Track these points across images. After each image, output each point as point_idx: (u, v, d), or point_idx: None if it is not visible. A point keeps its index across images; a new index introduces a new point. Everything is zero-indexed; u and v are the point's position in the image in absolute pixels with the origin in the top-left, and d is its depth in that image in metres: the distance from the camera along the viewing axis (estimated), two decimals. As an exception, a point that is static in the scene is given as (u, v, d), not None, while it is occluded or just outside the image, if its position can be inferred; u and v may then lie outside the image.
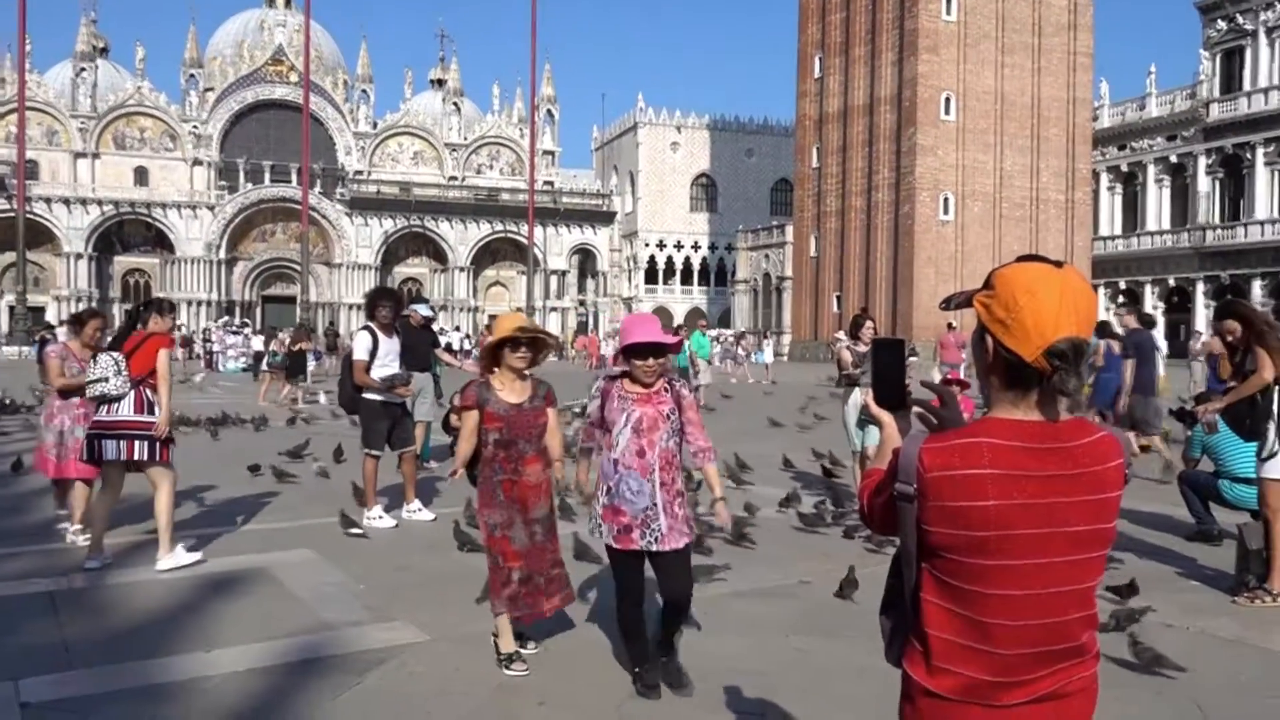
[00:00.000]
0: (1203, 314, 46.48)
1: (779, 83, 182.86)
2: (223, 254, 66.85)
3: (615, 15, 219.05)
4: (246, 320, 53.10)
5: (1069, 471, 1.67)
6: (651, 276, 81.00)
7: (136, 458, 6.11)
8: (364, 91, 72.69)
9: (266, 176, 68.06)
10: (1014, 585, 1.65)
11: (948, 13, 44.75)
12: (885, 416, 1.88)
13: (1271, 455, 5.48)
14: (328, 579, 6.03)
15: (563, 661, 4.65)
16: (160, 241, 66.63)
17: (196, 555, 6.29)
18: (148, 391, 6.16)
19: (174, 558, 6.14)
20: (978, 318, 1.74)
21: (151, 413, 6.12)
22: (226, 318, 51.05)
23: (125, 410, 6.07)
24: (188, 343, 41.46)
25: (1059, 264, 1.71)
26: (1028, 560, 1.64)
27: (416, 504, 7.83)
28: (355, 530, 7.27)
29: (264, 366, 23.04)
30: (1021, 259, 1.74)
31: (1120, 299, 51.13)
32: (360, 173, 70.51)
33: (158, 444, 6.14)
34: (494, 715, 4.01)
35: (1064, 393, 1.67)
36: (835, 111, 49.79)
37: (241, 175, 67.93)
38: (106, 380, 6.01)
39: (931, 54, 44.41)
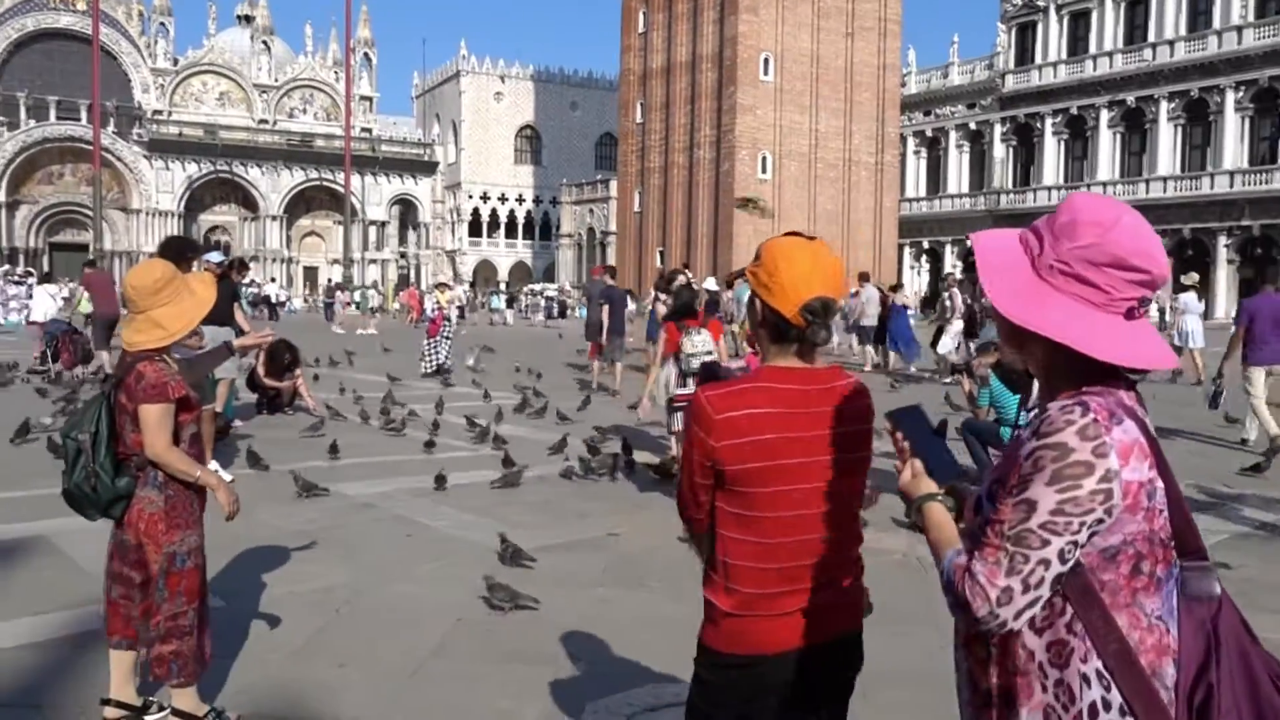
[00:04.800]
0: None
1: (604, 36, 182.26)
2: (2, 197, 61.30)
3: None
4: (30, 270, 49.05)
5: (828, 407, 1.95)
6: (475, 229, 79.74)
7: None
8: (162, 25, 67.68)
9: (52, 113, 62.64)
10: (790, 508, 1.92)
11: (767, -26, 45.59)
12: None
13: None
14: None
15: (362, 622, 4.59)
16: (-73, 181, 60.52)
17: None
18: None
19: None
20: (749, 285, 2.01)
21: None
22: (8, 266, 47.01)
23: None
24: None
25: (812, 238, 2.02)
26: (799, 485, 1.92)
27: (214, 464, 7.50)
28: None
29: None
30: (785, 235, 2.05)
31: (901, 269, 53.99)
32: (160, 113, 65.92)
33: None
34: (292, 678, 3.93)
35: (815, 343, 1.95)
36: (659, 67, 50.06)
37: (23, 111, 62.21)
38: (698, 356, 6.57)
39: (751, 14, 45.20)
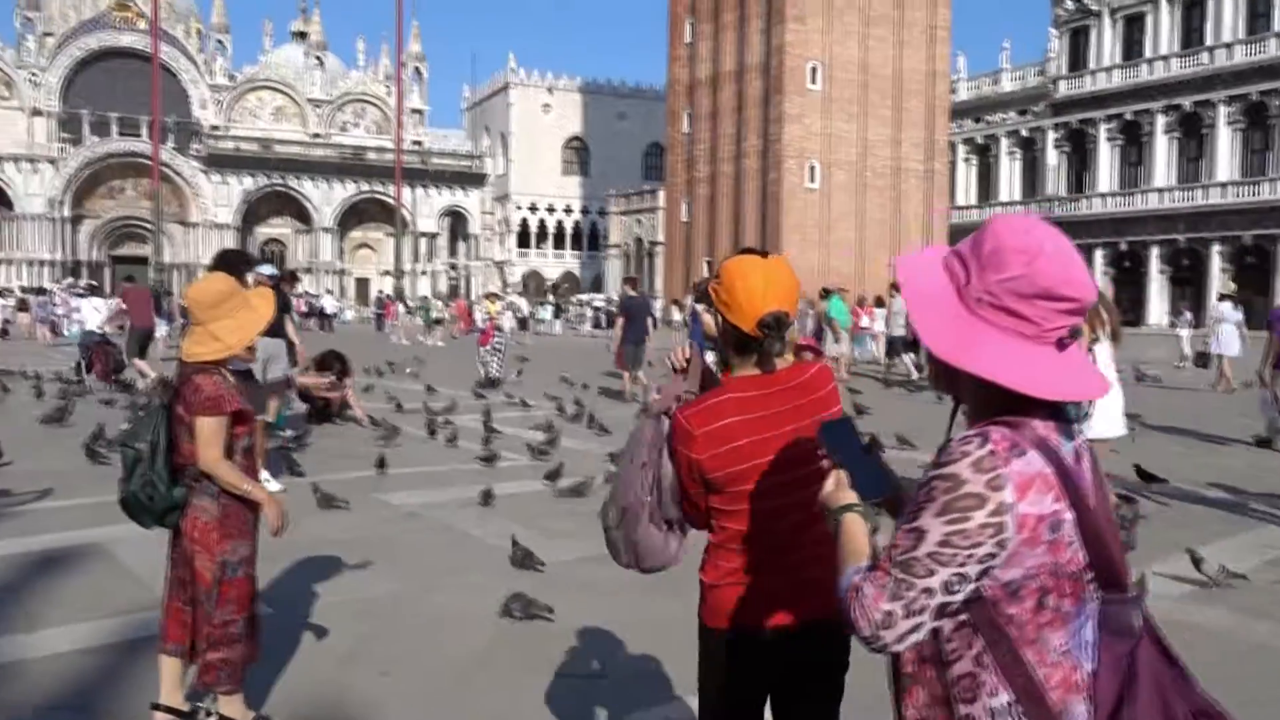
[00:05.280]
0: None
1: (651, 46, 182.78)
2: (67, 211, 63.04)
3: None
4: (94, 282, 50.36)
5: (792, 404, 2.10)
6: (524, 240, 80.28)
7: None
8: (220, 42, 69.27)
9: (114, 129, 64.32)
10: (767, 499, 2.06)
11: (814, -18, 45.43)
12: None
13: (1085, 417, 5.83)
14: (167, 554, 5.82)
15: (406, 631, 4.63)
16: (-4, 197, 62.36)
17: None
18: None
19: None
20: (712, 303, 2.15)
21: None
22: (70, 279, 48.30)
23: None
24: (25, 306, 39.03)
25: (765, 254, 2.15)
26: (773, 479, 2.05)
27: (265, 474, 7.62)
28: None
29: None
30: (740, 252, 2.17)
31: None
32: (217, 128, 67.39)
33: None
34: (337, 688, 3.97)
35: (771, 354, 2.10)
36: (706, 77, 50.05)
37: (86, 127, 63.97)
38: None
39: (799, 23, 45.04)
